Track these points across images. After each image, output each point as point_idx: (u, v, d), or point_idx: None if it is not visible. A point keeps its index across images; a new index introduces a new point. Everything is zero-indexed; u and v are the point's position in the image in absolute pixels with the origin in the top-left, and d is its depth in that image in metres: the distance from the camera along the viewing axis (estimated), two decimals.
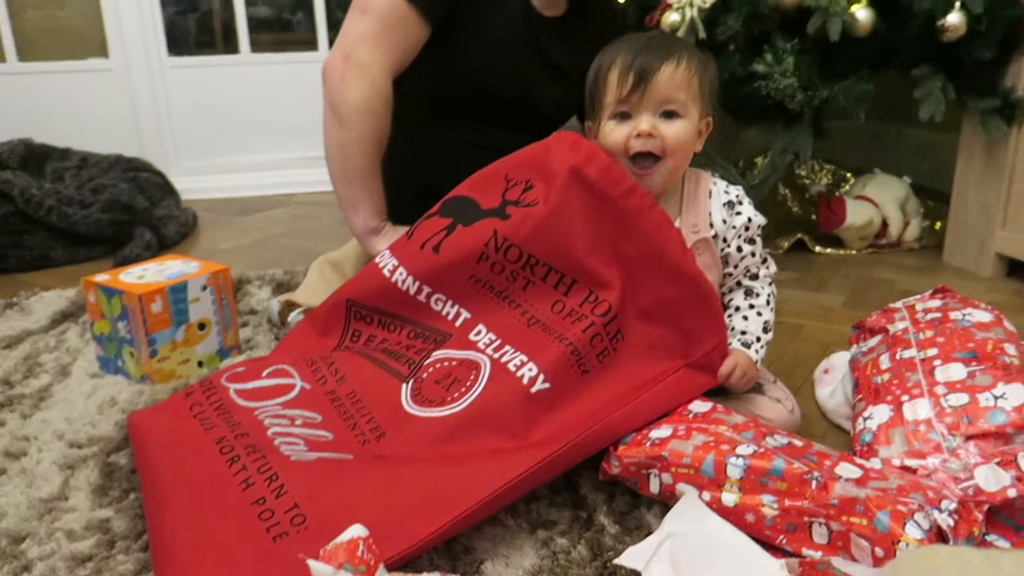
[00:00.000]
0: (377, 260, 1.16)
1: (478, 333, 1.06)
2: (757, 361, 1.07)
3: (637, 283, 1.02)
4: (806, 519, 0.80)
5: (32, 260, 1.92)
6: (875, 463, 0.92)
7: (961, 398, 0.93)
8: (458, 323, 1.09)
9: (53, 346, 1.42)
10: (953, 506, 0.77)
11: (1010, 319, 1.12)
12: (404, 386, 1.02)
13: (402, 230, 1.23)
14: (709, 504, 0.85)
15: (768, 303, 1.11)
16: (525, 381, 0.96)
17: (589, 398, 0.98)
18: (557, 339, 1.00)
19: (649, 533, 0.85)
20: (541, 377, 0.96)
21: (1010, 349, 0.99)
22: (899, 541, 0.74)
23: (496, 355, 1.01)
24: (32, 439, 1.08)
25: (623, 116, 1.04)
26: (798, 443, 0.90)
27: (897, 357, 1.04)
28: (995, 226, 1.77)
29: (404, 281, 1.12)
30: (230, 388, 1.04)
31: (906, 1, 1.67)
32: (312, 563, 0.63)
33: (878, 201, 2.01)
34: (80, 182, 2.19)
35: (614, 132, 1.04)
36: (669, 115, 1.03)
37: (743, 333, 1.08)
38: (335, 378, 1.05)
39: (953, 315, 1.08)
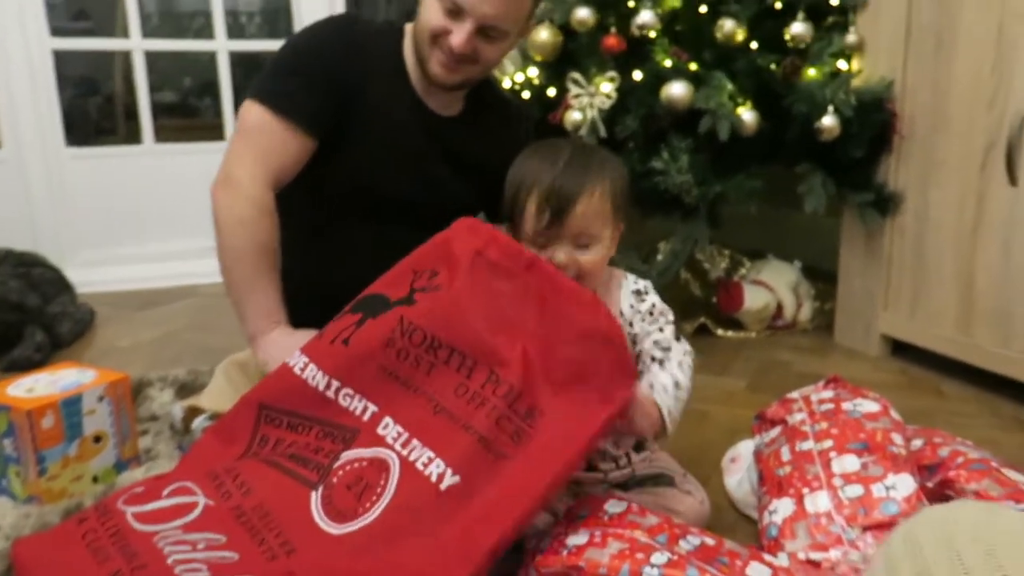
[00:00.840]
0: (288, 360, 1.15)
1: (385, 427, 1.03)
2: (665, 412, 1.06)
3: (549, 354, 1.02)
4: None
5: None
6: (783, 559, 0.95)
7: (856, 489, 0.98)
8: (366, 417, 1.06)
9: None
10: None
11: (896, 399, 1.20)
12: (313, 494, 0.99)
13: (295, 332, 1.24)
14: None
15: (680, 365, 1.11)
16: (434, 479, 0.95)
17: (506, 481, 0.95)
18: (463, 428, 0.99)
19: None
20: (449, 472, 0.94)
21: (897, 439, 1.05)
22: None
23: (404, 451, 0.99)
24: None
25: (541, 245, 1.08)
26: (710, 542, 0.92)
27: (796, 449, 1.09)
28: (878, 309, 1.90)
29: (314, 377, 1.10)
30: (127, 512, 0.98)
31: (787, 104, 1.81)
32: None
33: (772, 285, 2.12)
34: None
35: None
36: (585, 245, 1.08)
37: (650, 386, 1.08)
38: (240, 491, 1.01)
39: (845, 405, 1.14)
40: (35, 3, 2.61)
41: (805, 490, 1.02)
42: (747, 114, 1.79)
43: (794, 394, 1.25)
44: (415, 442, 1.00)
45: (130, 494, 1.03)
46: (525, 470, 0.96)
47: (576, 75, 1.90)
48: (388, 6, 3.85)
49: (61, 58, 2.74)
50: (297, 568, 0.89)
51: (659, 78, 1.81)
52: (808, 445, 1.08)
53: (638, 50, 1.87)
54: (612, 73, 1.85)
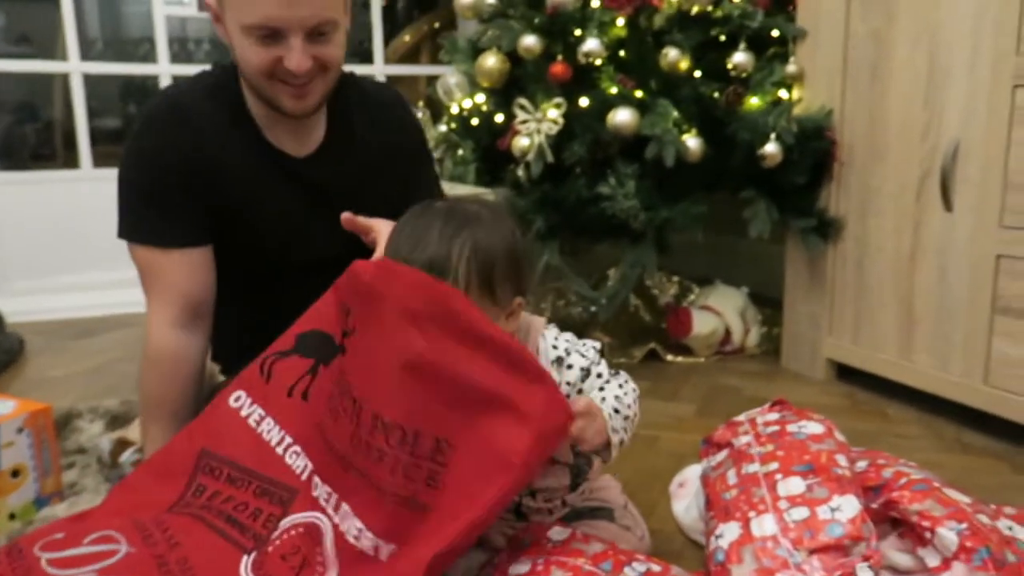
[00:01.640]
0: (235, 404, 1.08)
1: (316, 487, 0.97)
2: (607, 416, 0.95)
3: (447, 381, 0.89)
4: None
5: None
6: None
7: (802, 512, 0.97)
8: (304, 476, 1.00)
9: None
10: None
11: (841, 421, 1.20)
12: (245, 558, 0.93)
13: None
14: None
15: (621, 388, 1.00)
16: (371, 554, 0.89)
17: (437, 524, 0.87)
18: (376, 490, 0.90)
19: None
20: (382, 543, 0.89)
21: (841, 460, 1.05)
22: None
23: (336, 517, 0.93)
24: None
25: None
26: (656, 568, 0.90)
27: (743, 472, 1.08)
28: (823, 333, 1.92)
29: (269, 431, 1.05)
30: (42, 558, 0.92)
31: (730, 132, 1.84)
32: None
33: (720, 310, 2.13)
34: None
35: None
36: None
37: (603, 400, 0.97)
38: (167, 543, 0.95)
39: (790, 427, 1.14)
40: None
41: (751, 513, 1.00)
42: (692, 141, 1.81)
43: (740, 417, 1.24)
44: (344, 505, 0.93)
45: (48, 540, 0.97)
46: (452, 513, 0.87)
47: (523, 101, 1.91)
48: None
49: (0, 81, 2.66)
50: None
51: (605, 105, 1.82)
52: (754, 468, 1.07)
53: (584, 77, 1.89)
54: (559, 99, 1.86)
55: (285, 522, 0.96)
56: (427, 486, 0.87)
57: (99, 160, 2.82)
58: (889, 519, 1.02)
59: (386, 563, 0.87)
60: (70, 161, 2.93)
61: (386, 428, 0.88)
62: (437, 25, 3.65)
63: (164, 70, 2.83)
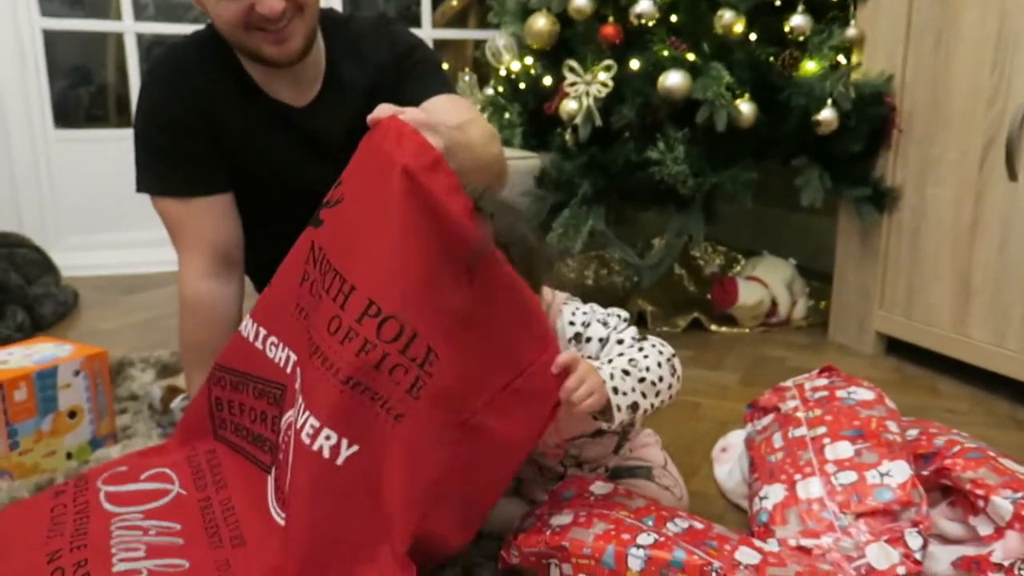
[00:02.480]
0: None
1: (299, 379, 0.91)
2: (616, 393, 0.88)
3: (443, 288, 0.83)
4: None
5: None
6: (772, 544, 0.92)
7: (850, 476, 0.95)
8: (288, 368, 0.95)
9: None
10: None
11: (890, 396, 1.17)
12: (269, 479, 0.95)
13: None
14: None
15: (642, 351, 0.94)
16: (326, 454, 0.79)
17: (408, 450, 0.80)
18: (334, 376, 0.81)
19: None
20: (344, 443, 0.79)
21: (892, 426, 1.02)
22: None
23: (303, 416, 0.84)
24: None
25: None
26: (699, 526, 0.89)
27: (789, 436, 1.06)
28: (874, 306, 1.87)
29: (246, 327, 1.05)
30: (103, 491, 0.96)
31: (784, 97, 1.79)
32: None
33: (767, 282, 2.10)
34: None
35: None
36: None
37: (609, 362, 0.92)
38: (215, 485, 0.98)
39: (839, 393, 1.12)
40: None
41: (797, 476, 0.99)
42: (745, 106, 1.77)
43: (787, 382, 1.22)
44: (300, 401, 0.85)
45: (112, 472, 1.02)
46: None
47: (573, 64, 1.88)
48: (386, 3, 3.83)
49: (54, 45, 2.72)
50: (233, 559, 0.88)
51: (656, 68, 1.78)
52: (801, 432, 1.06)
53: (635, 40, 1.85)
54: (609, 62, 1.83)
55: (283, 422, 0.94)
56: (408, 395, 0.81)
57: None
58: (940, 488, 1.00)
59: (345, 468, 0.81)
60: (123, 123, 2.98)
61: (378, 315, 0.81)
62: None
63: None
